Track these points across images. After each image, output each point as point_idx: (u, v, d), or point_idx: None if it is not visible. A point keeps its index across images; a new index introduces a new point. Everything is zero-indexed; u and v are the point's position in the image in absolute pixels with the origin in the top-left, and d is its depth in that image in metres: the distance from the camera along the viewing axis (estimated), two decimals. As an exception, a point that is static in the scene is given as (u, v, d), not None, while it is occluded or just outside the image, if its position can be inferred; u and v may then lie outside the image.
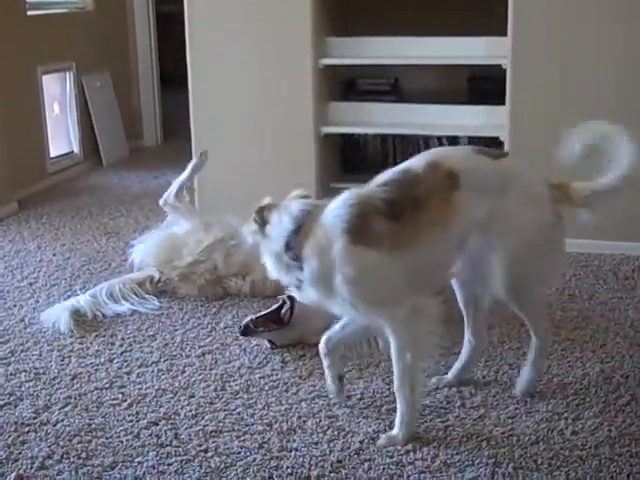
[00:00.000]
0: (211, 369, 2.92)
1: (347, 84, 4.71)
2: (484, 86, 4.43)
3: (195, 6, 4.18)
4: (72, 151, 5.86)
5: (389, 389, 2.74)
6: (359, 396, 2.72)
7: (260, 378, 2.85)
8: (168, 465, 2.35)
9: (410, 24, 4.30)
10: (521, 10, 3.88)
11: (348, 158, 4.80)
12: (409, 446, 2.42)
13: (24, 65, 5.19)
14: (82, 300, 3.40)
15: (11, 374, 2.89)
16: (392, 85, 4.66)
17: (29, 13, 5.27)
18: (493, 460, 2.35)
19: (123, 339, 3.18)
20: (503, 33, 3.99)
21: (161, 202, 3.78)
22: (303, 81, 4.15)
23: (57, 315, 3.27)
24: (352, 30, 4.38)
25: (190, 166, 3.85)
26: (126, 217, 4.78)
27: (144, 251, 3.63)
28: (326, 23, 4.24)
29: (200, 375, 2.88)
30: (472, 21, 4.21)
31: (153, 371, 2.91)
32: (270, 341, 3.07)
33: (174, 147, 6.56)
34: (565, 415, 2.57)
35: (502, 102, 4.11)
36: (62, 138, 5.80)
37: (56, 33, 5.53)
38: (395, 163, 4.60)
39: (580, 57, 3.89)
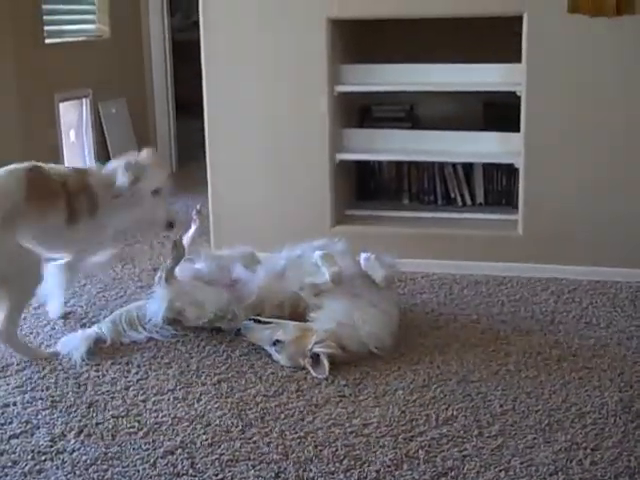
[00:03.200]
0: (227, 397, 2.92)
1: (362, 111, 4.73)
2: (500, 113, 4.42)
3: (210, 34, 4.20)
4: (88, 177, 5.88)
5: (406, 417, 2.74)
6: (375, 425, 2.70)
7: (276, 406, 2.84)
8: (184, 495, 2.35)
9: (426, 51, 4.31)
10: (536, 37, 3.89)
11: (363, 185, 4.80)
12: (427, 476, 2.40)
13: (42, 93, 5.23)
14: (103, 327, 3.41)
15: (27, 402, 2.89)
16: (407, 112, 4.67)
17: (47, 41, 5.32)
18: (512, 491, 2.33)
19: (139, 366, 3.17)
20: (518, 60, 4.01)
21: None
22: (318, 108, 4.16)
23: (75, 344, 3.28)
24: (367, 57, 4.39)
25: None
26: (141, 243, 4.79)
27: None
28: (341, 50, 4.26)
29: (216, 403, 2.87)
30: (488, 48, 4.21)
31: (169, 399, 2.91)
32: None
33: (189, 174, 6.57)
34: (584, 445, 2.55)
35: (518, 129, 4.12)
36: (78, 165, 5.82)
37: (73, 61, 5.58)
38: (410, 190, 4.70)
39: (595, 83, 3.89)
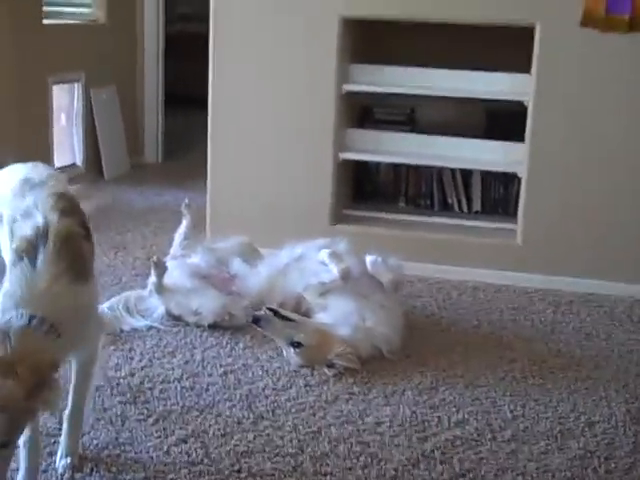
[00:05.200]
0: (235, 389, 2.88)
1: (363, 112, 4.71)
2: (502, 122, 4.45)
3: (220, 28, 4.16)
4: (74, 163, 5.80)
5: (417, 418, 2.73)
6: (388, 423, 2.69)
7: (286, 400, 2.81)
8: (202, 484, 2.31)
9: (437, 55, 4.32)
10: (547, 48, 3.91)
11: (359, 186, 4.79)
12: (445, 476, 2.39)
13: (36, 74, 5.14)
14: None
15: (31, 383, 2.82)
16: (408, 115, 4.67)
17: (45, 22, 5.24)
18: (531, 495, 2.33)
19: (142, 354, 3.12)
20: (525, 70, 4.04)
21: (169, 258, 3.73)
22: (325, 106, 4.14)
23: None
24: (375, 58, 4.38)
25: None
26: (133, 233, 4.73)
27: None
28: (350, 50, 4.25)
29: (225, 394, 2.83)
30: (496, 56, 4.23)
31: (176, 388, 2.86)
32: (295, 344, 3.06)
33: (175, 165, 6.53)
34: (597, 453, 2.56)
35: (520, 139, 4.15)
36: (66, 149, 5.74)
37: (68, 43, 5.49)
38: (407, 193, 4.69)
39: (602, 97, 3.92)
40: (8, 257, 2.19)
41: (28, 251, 2.10)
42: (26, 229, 2.15)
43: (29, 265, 2.08)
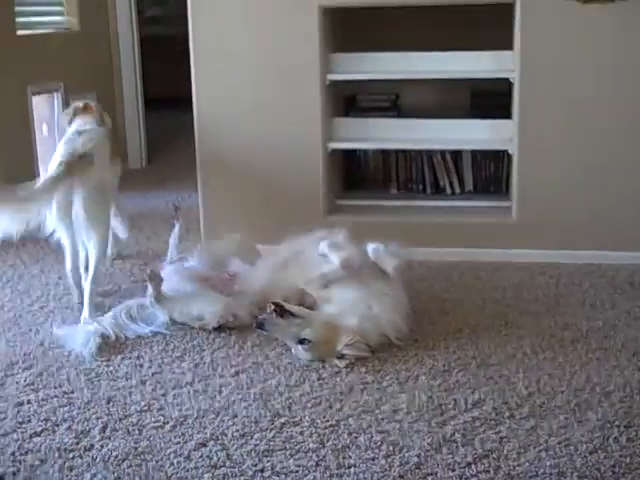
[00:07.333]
0: (249, 388, 2.86)
1: (347, 101, 4.69)
2: (487, 102, 4.44)
3: (200, 23, 4.13)
4: (60, 174, 5.74)
5: (434, 402, 2.73)
6: (406, 410, 2.68)
7: (300, 396, 2.80)
8: (227, 486, 2.29)
9: (419, 39, 4.30)
10: (529, 23, 3.90)
11: (349, 176, 4.77)
12: (469, 458, 2.39)
13: (15, 85, 5.09)
14: (104, 322, 3.32)
15: (42, 399, 2.80)
16: (393, 101, 4.65)
17: (19, 33, 5.18)
18: (557, 470, 2.33)
19: (151, 360, 3.10)
20: (506, 47, 4.04)
21: (166, 263, 3.75)
22: (311, 97, 4.11)
23: (83, 339, 3.18)
24: (354, 45, 4.36)
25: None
26: (126, 239, 4.68)
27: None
28: (332, 39, 4.22)
29: (239, 394, 2.82)
30: (479, 36, 4.22)
31: (189, 392, 2.84)
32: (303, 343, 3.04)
33: (159, 169, 6.49)
34: (617, 423, 2.56)
35: (507, 116, 4.15)
36: (50, 160, 5.67)
37: (45, 53, 5.44)
38: (398, 179, 4.68)
39: (589, 67, 3.92)
40: None
41: None
42: None
43: None
